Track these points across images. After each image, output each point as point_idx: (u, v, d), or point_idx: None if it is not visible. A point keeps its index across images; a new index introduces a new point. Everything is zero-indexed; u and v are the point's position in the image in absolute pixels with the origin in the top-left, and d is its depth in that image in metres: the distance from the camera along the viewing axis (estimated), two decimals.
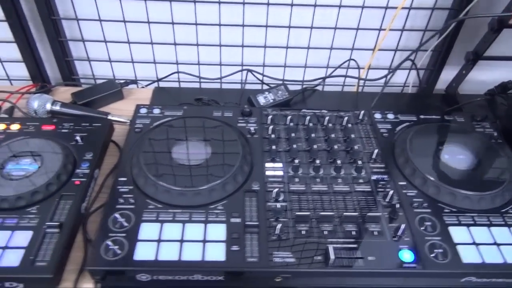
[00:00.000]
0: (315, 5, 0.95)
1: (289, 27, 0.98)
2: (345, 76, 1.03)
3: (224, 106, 0.90)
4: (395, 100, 1.05)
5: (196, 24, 0.97)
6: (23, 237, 0.60)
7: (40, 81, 1.02)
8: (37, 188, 0.66)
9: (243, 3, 0.93)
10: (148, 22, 0.96)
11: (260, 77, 1.00)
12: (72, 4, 0.94)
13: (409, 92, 1.11)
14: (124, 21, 0.97)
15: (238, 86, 1.06)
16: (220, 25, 0.97)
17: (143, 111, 0.83)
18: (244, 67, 1.01)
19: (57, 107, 0.86)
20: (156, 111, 0.83)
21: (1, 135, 0.77)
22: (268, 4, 0.94)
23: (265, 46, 0.99)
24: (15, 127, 0.79)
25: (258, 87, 1.04)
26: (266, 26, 0.97)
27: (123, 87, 0.97)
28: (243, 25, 0.97)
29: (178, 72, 1.02)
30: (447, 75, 1.05)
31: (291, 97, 0.94)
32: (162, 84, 1.04)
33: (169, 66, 1.04)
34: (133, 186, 0.68)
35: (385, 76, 0.99)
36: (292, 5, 0.94)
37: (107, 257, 0.58)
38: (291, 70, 1.06)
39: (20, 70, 1.02)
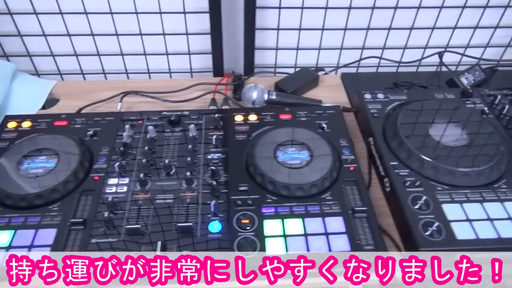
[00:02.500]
0: None
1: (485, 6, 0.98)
2: None
3: (440, 88, 0.91)
4: None
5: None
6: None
7: (220, 72, 1.02)
8: (325, 175, 0.67)
9: None
10: (350, 8, 0.96)
11: (459, 57, 1.02)
12: None
13: None
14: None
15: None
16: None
17: (368, 96, 0.84)
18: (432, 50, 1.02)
19: (273, 97, 0.87)
20: (380, 96, 0.84)
21: (245, 126, 0.78)
22: None
23: (455, 28, 1.00)
24: (253, 117, 0.80)
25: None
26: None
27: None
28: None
29: (375, 57, 1.04)
30: None
31: (486, 77, 0.95)
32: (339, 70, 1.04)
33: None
34: (409, 170, 0.69)
35: None
36: None
37: (433, 238, 0.60)
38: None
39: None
